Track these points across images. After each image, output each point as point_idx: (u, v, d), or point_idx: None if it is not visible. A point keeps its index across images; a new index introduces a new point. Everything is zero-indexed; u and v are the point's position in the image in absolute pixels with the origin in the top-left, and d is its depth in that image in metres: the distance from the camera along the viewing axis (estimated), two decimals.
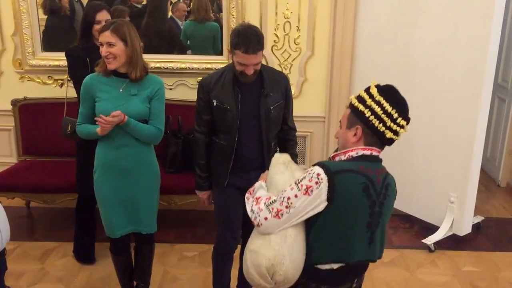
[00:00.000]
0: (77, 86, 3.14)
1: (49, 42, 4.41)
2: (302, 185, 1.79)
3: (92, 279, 3.45)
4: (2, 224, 2.23)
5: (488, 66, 3.60)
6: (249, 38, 2.45)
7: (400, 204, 4.27)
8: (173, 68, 4.39)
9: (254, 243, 1.89)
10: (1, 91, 4.47)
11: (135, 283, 3.09)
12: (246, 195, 2.06)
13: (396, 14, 4.03)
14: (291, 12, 4.26)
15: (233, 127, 2.64)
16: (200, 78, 2.83)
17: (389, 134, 1.84)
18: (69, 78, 3.51)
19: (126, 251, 2.99)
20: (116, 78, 2.70)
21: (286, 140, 2.86)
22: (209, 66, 4.34)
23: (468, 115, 3.74)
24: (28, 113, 4.29)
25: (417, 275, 3.56)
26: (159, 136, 2.80)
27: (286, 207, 1.81)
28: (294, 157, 2.79)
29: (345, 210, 1.80)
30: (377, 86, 1.88)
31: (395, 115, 1.82)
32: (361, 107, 1.86)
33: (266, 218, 1.84)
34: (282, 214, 1.82)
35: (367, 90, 1.89)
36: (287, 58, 4.38)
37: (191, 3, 4.43)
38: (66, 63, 3.37)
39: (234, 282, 3.11)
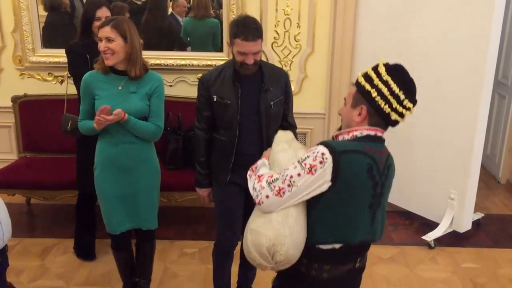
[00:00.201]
0: (77, 83, 3.14)
1: (49, 39, 4.40)
2: (305, 164, 1.76)
3: (93, 276, 3.46)
4: (4, 221, 2.23)
5: (488, 63, 3.59)
6: (248, 26, 2.49)
7: (400, 200, 4.29)
8: (173, 65, 4.39)
9: (255, 222, 1.86)
10: (1, 87, 4.46)
11: (136, 279, 3.10)
12: (248, 172, 2.03)
13: (396, 11, 4.02)
14: (291, 9, 4.25)
15: (234, 122, 2.65)
16: (200, 75, 2.83)
17: (394, 116, 1.81)
18: (69, 75, 3.51)
19: (127, 248, 2.99)
20: (115, 76, 2.69)
21: None
22: (209, 63, 4.33)
23: (468, 112, 3.73)
24: (28, 109, 4.29)
25: (417, 272, 3.56)
26: (159, 133, 2.80)
27: (288, 185, 1.78)
28: None
29: (348, 191, 1.77)
30: (386, 65, 1.84)
31: (402, 97, 1.79)
32: (367, 86, 1.82)
33: (267, 196, 1.80)
34: (284, 193, 1.78)
35: (375, 69, 1.84)
36: (287, 55, 4.38)
37: (191, 0, 4.42)
38: (66, 60, 3.37)
39: (234, 279, 3.11)
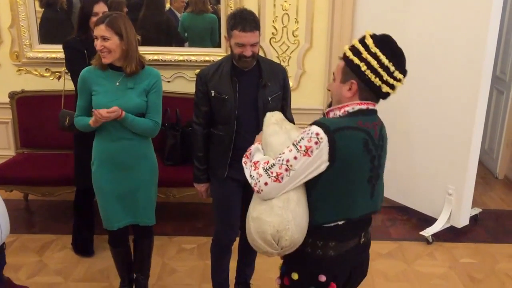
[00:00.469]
0: (74, 79, 3.12)
1: (46, 35, 4.38)
2: (301, 146, 1.74)
3: (91, 272, 3.46)
4: (2, 218, 2.22)
5: (486, 59, 3.59)
6: (245, 18, 2.50)
7: (398, 196, 4.29)
8: (171, 60, 4.38)
9: (257, 209, 1.84)
10: None
11: (134, 275, 3.10)
12: (243, 159, 1.99)
13: (394, 5, 4.02)
14: (289, 4, 4.24)
15: (231, 117, 2.64)
16: (198, 70, 2.82)
17: (385, 89, 1.79)
18: (66, 71, 3.50)
19: (124, 244, 2.99)
20: (113, 72, 2.68)
21: None
22: (207, 58, 4.32)
23: (466, 107, 3.73)
24: (26, 105, 4.28)
25: (415, 267, 3.57)
26: (156, 129, 2.79)
27: (286, 170, 1.75)
28: None
29: (347, 168, 1.76)
30: (373, 37, 1.81)
31: (392, 68, 1.76)
32: (356, 60, 1.79)
33: (266, 183, 1.78)
34: (282, 178, 1.76)
35: (362, 41, 1.81)
36: (286, 51, 4.37)
37: None
38: (64, 55, 3.36)
39: (232, 274, 3.11)
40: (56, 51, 4.19)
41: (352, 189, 1.81)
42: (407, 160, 4.11)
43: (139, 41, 2.74)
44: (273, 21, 4.29)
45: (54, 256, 3.63)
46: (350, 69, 1.81)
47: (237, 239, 2.98)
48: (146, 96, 2.72)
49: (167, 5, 4.49)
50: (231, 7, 4.18)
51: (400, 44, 1.85)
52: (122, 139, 2.71)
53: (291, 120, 2.87)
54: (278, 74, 2.75)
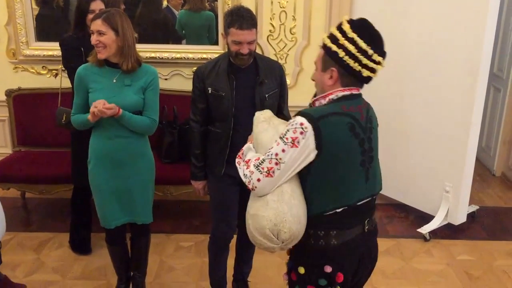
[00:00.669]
0: (71, 76, 3.12)
1: (42, 32, 4.37)
2: (287, 138, 1.75)
3: (88, 270, 3.45)
4: None
5: (483, 56, 3.59)
6: (242, 15, 2.49)
7: (396, 193, 4.30)
8: (168, 58, 4.37)
9: (253, 206, 1.86)
10: None
11: (131, 273, 3.10)
12: (237, 159, 2.01)
13: (391, 3, 4.02)
14: (287, 2, 4.24)
15: (229, 114, 2.64)
16: (195, 68, 2.82)
17: (366, 73, 1.80)
18: (63, 68, 3.49)
19: (122, 242, 2.99)
20: (109, 69, 2.68)
21: None
22: (204, 56, 4.31)
23: (463, 105, 3.74)
24: (23, 103, 4.26)
25: (412, 264, 3.58)
26: (154, 127, 2.78)
27: (276, 163, 1.77)
28: None
29: (336, 154, 1.77)
30: (350, 22, 1.81)
31: (370, 52, 1.76)
32: (334, 47, 1.80)
33: (259, 180, 1.80)
34: (273, 172, 1.78)
35: (339, 27, 1.82)
36: (283, 48, 4.37)
37: None
38: (60, 53, 3.35)
39: (230, 272, 3.11)
40: (53, 48, 4.18)
41: (344, 175, 1.81)
42: (404, 158, 4.11)
43: (136, 38, 2.73)
44: (271, 19, 4.29)
45: (51, 254, 3.63)
46: (329, 57, 1.83)
47: (235, 236, 2.98)
48: (143, 94, 2.72)
49: (164, 3, 4.48)
50: (228, 4, 4.17)
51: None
52: (119, 137, 2.70)
53: (289, 118, 2.87)
54: (275, 71, 2.74)
